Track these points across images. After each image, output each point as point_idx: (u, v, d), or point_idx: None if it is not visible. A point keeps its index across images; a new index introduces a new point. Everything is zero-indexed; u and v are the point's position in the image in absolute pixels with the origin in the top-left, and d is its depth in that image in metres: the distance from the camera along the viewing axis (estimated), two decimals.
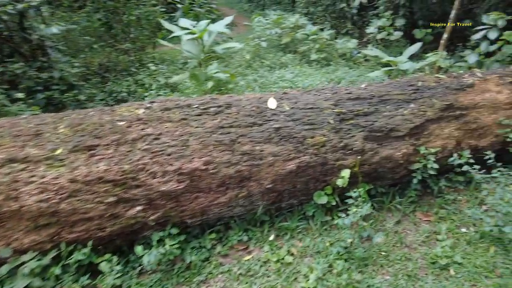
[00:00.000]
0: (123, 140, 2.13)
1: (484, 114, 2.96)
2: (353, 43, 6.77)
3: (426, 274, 2.23)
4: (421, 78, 3.09)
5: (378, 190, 2.86)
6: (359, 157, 2.54)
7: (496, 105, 3.01)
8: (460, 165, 2.72)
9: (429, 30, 6.63)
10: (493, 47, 4.78)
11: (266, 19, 7.94)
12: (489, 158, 2.71)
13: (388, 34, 6.74)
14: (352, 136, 2.56)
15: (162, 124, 2.24)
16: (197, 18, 8.04)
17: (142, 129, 2.19)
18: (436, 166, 2.67)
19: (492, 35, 4.65)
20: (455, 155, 2.76)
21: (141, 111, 2.33)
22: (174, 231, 2.21)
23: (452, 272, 2.24)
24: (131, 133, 2.16)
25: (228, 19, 4.57)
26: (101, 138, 2.11)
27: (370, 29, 6.99)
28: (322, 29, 7.58)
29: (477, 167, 2.62)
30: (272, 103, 2.59)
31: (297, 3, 10.25)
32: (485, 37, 4.78)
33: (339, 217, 2.33)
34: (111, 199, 2.02)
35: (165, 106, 2.38)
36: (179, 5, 8.51)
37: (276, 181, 2.39)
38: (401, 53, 5.38)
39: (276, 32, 7.36)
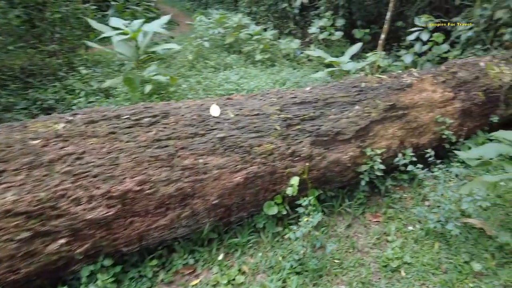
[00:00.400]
0: (37, 162, 1.79)
1: (423, 113, 3.06)
2: (296, 43, 6.79)
3: (379, 278, 2.21)
4: (364, 79, 3.11)
5: (327, 194, 2.81)
6: (307, 164, 2.46)
7: (432, 104, 3.14)
8: (405, 165, 2.78)
9: (367, 30, 6.90)
10: (425, 48, 5.08)
11: (209, 18, 7.67)
12: (430, 156, 2.80)
13: (329, 34, 6.87)
14: (300, 142, 2.46)
15: (86, 140, 1.93)
16: (134, 17, 7.53)
17: (62, 148, 1.86)
18: (382, 167, 2.69)
19: (425, 36, 4.94)
20: (400, 155, 2.81)
21: (60, 125, 1.99)
22: (108, 262, 1.93)
23: (403, 273, 2.24)
24: (48, 154, 1.83)
25: (164, 18, 4.27)
26: (9, 162, 1.75)
27: (312, 29, 7.08)
28: (265, 29, 7.52)
29: (420, 165, 2.69)
30: (215, 110, 2.40)
31: (240, 3, 10.11)
32: (418, 38, 5.06)
33: (290, 230, 2.22)
34: (24, 234, 1.68)
35: (90, 118, 2.06)
36: (112, 3, 7.89)
37: (223, 196, 2.20)
38: (342, 53, 5.50)
39: (219, 31, 7.14)
